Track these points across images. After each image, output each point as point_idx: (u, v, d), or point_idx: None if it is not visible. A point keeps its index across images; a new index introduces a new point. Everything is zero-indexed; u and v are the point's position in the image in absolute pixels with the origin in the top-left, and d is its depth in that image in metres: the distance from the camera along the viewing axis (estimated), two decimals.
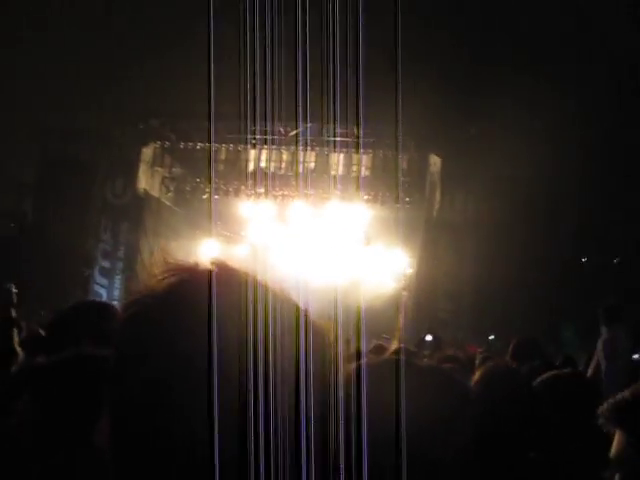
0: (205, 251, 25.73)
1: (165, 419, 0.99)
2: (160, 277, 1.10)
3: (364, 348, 1.12)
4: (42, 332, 5.70)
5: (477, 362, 8.41)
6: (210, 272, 1.09)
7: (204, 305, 1.02)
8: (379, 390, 1.18)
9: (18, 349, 5.52)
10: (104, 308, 3.34)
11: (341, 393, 1.03)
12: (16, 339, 5.87)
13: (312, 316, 1.09)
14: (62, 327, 3.15)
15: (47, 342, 3.23)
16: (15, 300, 8.66)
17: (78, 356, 2.36)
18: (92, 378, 2.02)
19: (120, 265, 25.93)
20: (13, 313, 7.01)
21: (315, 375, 1.02)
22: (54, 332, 3.18)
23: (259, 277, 1.10)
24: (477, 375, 3.47)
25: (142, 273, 26.31)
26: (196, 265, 1.14)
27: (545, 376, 3.84)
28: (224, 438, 0.96)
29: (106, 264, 25.85)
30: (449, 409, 2.30)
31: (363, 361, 1.08)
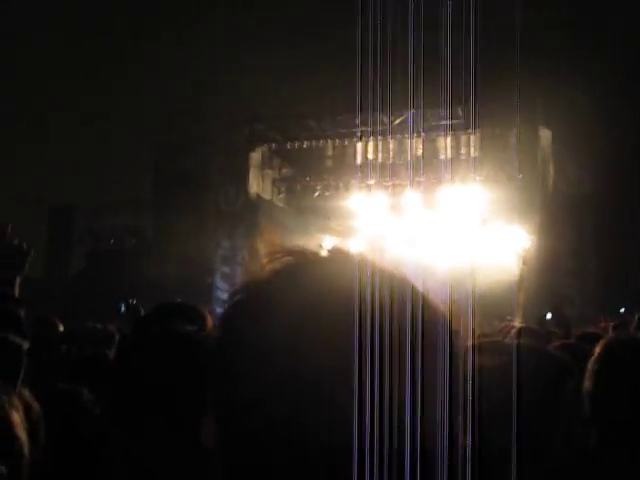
0: (321, 247, 25.89)
1: (274, 413, 0.95)
2: (265, 263, 1.07)
3: (471, 332, 1.08)
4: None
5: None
6: (319, 255, 1.06)
7: (312, 289, 0.99)
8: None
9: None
10: (189, 309, 3.35)
11: (468, 386, 0.98)
12: None
13: (431, 298, 1.05)
14: (145, 325, 3.17)
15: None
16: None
17: (171, 332, 2.22)
18: (191, 361, 1.88)
19: (240, 270, 26.35)
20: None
21: (429, 359, 0.98)
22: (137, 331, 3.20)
23: (373, 260, 1.05)
24: (597, 349, 3.22)
25: (248, 263, 26.67)
26: (302, 249, 1.10)
27: None
28: (336, 429, 0.93)
29: (226, 270, 26.33)
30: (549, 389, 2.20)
31: (470, 345, 1.02)
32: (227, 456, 1.01)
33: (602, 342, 2.99)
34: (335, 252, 1.07)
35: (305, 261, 1.06)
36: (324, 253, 1.07)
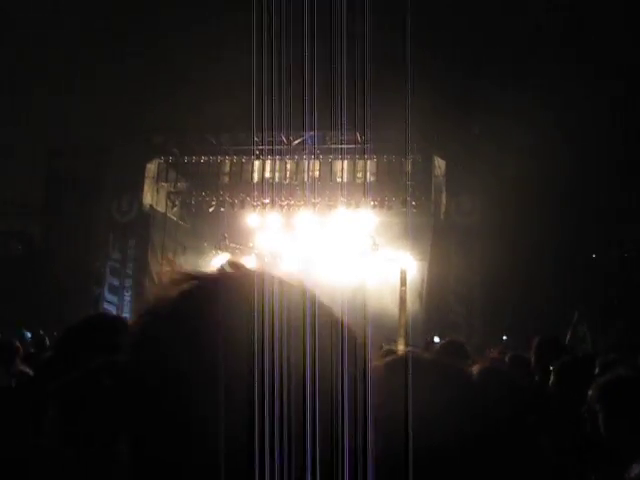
0: (213, 263, 25.78)
1: (184, 421, 0.97)
2: (170, 286, 1.08)
3: (370, 352, 1.11)
4: (50, 351, 5.70)
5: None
6: (220, 277, 1.08)
7: (219, 309, 1.00)
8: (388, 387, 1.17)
9: (27, 369, 5.49)
10: (114, 321, 3.32)
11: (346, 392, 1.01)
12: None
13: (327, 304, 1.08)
14: (73, 341, 3.13)
15: (58, 358, 3.20)
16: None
17: (105, 364, 2.30)
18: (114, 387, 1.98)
19: (129, 282, 25.96)
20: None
21: (323, 368, 1.00)
22: (66, 346, 3.16)
23: (271, 274, 1.07)
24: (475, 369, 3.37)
25: (151, 288, 26.38)
26: (205, 273, 1.12)
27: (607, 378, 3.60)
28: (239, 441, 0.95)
29: (115, 282, 25.88)
30: (451, 400, 2.30)
31: (369, 364, 1.05)
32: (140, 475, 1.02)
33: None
34: (235, 269, 1.09)
35: (209, 282, 1.07)
36: (224, 272, 1.09)
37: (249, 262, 25.13)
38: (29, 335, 12.03)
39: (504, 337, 20.28)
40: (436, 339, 15.99)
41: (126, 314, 25.27)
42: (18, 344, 5.85)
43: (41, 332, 9.12)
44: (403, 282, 23.29)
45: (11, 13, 21.79)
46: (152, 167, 26.34)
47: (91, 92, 22.81)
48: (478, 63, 21.68)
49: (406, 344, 20.70)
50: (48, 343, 8.95)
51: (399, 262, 24.31)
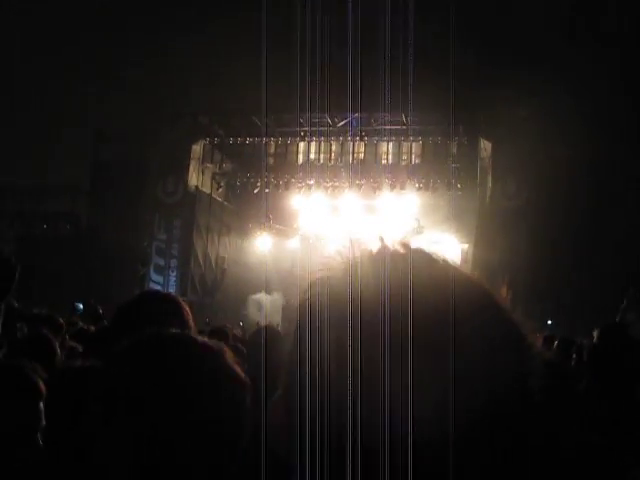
0: (258, 245, 25.90)
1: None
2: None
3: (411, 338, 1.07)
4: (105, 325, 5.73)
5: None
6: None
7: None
8: None
9: (76, 345, 5.51)
10: (168, 299, 3.29)
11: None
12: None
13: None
14: (127, 317, 3.10)
15: (113, 334, 3.18)
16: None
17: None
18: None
19: (174, 262, 26.17)
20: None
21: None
22: (119, 322, 3.14)
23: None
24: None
25: (196, 271, 26.59)
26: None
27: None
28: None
29: (160, 262, 26.11)
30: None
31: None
32: None
33: None
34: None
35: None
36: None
37: (292, 245, 25.24)
38: (81, 307, 12.18)
39: (549, 321, 20.09)
40: None
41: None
42: (61, 320, 5.87)
43: (92, 301, 9.24)
44: (463, 262, 23.21)
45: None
46: (197, 148, 26.46)
47: (138, 75, 22.98)
48: (524, 48, 21.38)
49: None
50: (101, 312, 9.06)
51: (444, 244, 24.20)
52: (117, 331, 3.03)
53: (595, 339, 6.37)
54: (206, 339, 1.76)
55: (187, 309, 3.07)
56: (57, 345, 4.47)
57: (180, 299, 3.36)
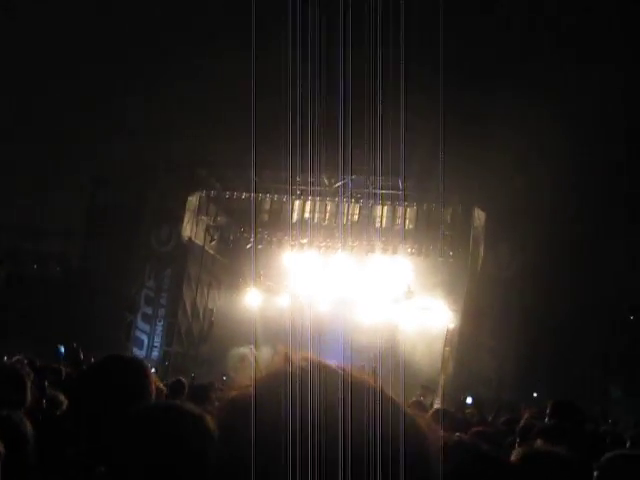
0: (247, 300, 25.84)
1: None
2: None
3: (402, 399, 1.13)
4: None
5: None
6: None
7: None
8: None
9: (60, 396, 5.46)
10: (131, 363, 3.30)
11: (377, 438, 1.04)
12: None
13: (353, 371, 1.11)
14: (91, 382, 3.12)
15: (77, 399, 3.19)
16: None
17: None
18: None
19: (162, 311, 26.07)
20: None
21: (355, 426, 1.04)
22: (84, 386, 3.15)
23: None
24: (517, 454, 3.29)
25: (183, 321, 26.49)
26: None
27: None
28: None
29: (148, 310, 26.00)
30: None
31: (401, 414, 1.08)
32: None
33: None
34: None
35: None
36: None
37: (282, 303, 25.22)
38: (62, 350, 12.09)
39: (534, 394, 19.99)
40: (469, 400, 15.78)
41: (157, 343, 25.38)
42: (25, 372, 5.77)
43: (74, 345, 9.17)
44: (447, 342, 23.21)
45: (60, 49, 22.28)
46: (193, 200, 26.55)
47: (138, 124, 23.16)
48: (524, 117, 21.64)
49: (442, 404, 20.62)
50: (82, 357, 8.98)
51: (433, 311, 24.21)
52: (82, 394, 3.06)
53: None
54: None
55: (149, 374, 3.12)
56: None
57: (143, 363, 3.38)
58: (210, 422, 2.03)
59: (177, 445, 1.96)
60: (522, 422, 7.54)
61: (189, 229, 26.51)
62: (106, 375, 2.95)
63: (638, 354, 20.80)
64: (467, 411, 11.67)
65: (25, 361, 6.71)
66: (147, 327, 25.73)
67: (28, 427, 2.92)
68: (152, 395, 3.07)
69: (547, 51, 22.04)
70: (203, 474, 1.84)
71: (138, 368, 3.18)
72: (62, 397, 5.18)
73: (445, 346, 23.31)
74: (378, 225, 24.80)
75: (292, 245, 25.60)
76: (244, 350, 22.58)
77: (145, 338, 25.18)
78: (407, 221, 24.85)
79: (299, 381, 1.07)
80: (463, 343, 23.35)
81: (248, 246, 26.29)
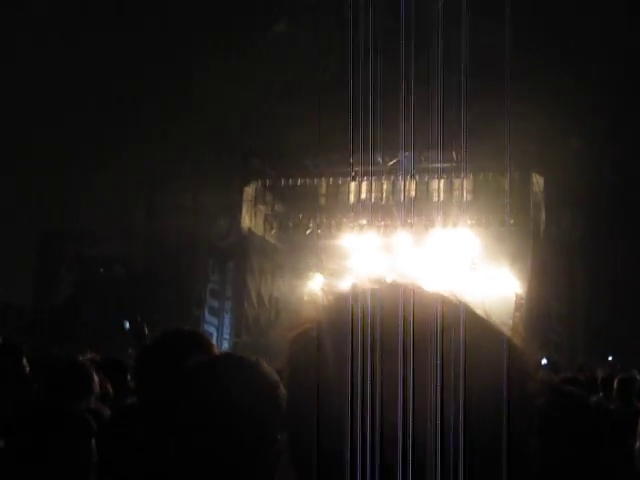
0: (311, 285, 25.93)
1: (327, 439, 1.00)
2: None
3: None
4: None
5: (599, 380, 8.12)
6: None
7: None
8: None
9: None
10: (192, 336, 3.30)
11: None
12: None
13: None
14: (152, 353, 3.11)
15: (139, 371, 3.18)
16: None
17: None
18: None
19: (229, 304, 26.33)
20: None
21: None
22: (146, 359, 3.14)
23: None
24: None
25: (250, 312, 26.71)
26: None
27: None
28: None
29: (215, 303, 26.29)
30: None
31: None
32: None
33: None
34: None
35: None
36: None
37: (345, 286, 25.05)
38: (127, 325, 12.28)
39: (609, 357, 19.69)
40: (543, 361, 15.62)
41: (226, 335, 25.65)
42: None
43: (138, 319, 9.30)
44: (517, 307, 22.99)
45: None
46: (249, 190, 26.71)
47: (190, 115, 23.32)
48: (579, 82, 21.23)
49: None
50: (146, 331, 9.09)
51: (499, 282, 23.98)
52: (144, 367, 3.06)
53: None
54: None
55: (213, 346, 3.12)
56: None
57: (206, 336, 3.38)
58: (267, 367, 2.09)
59: (240, 391, 2.00)
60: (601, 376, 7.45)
61: (248, 220, 26.69)
62: (167, 346, 2.96)
63: None
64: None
65: (95, 358, 6.82)
66: (215, 320, 26.03)
67: (91, 420, 2.94)
68: None
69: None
70: (263, 421, 1.91)
71: (200, 340, 3.19)
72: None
73: (515, 311, 23.07)
74: (436, 199, 24.63)
75: (351, 227, 25.60)
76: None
77: (214, 331, 25.46)
78: (465, 192, 24.63)
79: (368, 304, 1.05)
80: (531, 309, 23.13)
81: (308, 232, 26.37)
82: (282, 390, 1.98)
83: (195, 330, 3.55)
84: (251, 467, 1.96)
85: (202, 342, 3.20)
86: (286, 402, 1.14)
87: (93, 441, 2.84)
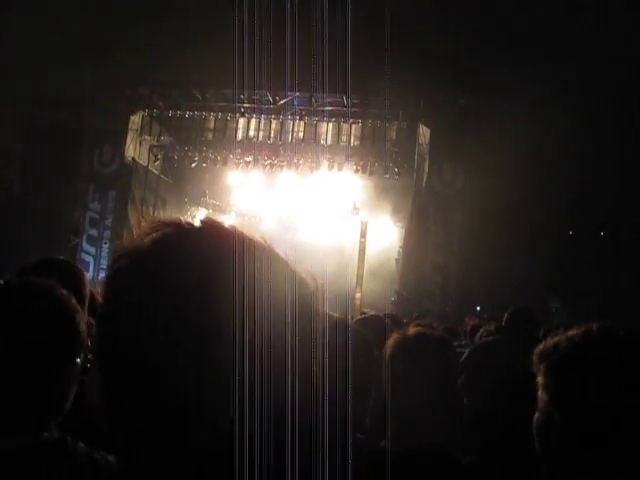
0: (193, 219, 25.72)
1: (161, 376, 1.00)
2: (145, 234, 1.10)
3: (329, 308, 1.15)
4: None
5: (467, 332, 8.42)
6: (194, 226, 1.09)
7: (191, 258, 1.04)
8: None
9: None
10: (65, 265, 3.27)
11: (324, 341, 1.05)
12: None
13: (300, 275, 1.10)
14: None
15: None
16: None
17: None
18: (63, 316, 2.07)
19: (108, 233, 25.84)
20: None
21: (300, 326, 1.04)
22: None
23: (245, 233, 1.09)
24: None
25: (127, 238, 26.29)
26: (180, 221, 1.13)
27: None
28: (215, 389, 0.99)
29: (94, 232, 25.77)
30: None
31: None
32: (111, 415, 1.05)
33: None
34: (209, 223, 1.11)
35: (182, 232, 1.08)
36: (199, 224, 1.10)
37: (228, 220, 25.03)
38: None
39: (477, 307, 20.45)
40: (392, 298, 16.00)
41: (103, 265, 25.24)
42: None
43: None
44: (363, 234, 23.42)
45: None
46: (136, 119, 26.11)
47: (78, 42, 22.53)
48: (476, 42, 21.54)
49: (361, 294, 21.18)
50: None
51: (379, 226, 24.42)
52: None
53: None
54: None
55: (84, 275, 3.10)
56: None
57: (77, 266, 3.35)
58: (61, 294, 2.08)
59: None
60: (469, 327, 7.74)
61: (132, 149, 26.13)
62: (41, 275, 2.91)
63: (575, 269, 21.31)
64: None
65: None
66: (93, 249, 25.53)
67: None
68: (86, 299, 3.06)
69: None
70: None
71: (74, 271, 3.17)
72: None
73: (361, 237, 23.47)
74: (323, 142, 24.71)
75: (237, 163, 25.45)
76: None
77: (91, 260, 25.01)
78: (352, 138, 24.79)
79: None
80: (407, 258, 23.65)
81: (193, 165, 26.06)
82: (78, 317, 2.07)
83: (67, 260, 3.52)
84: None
85: (73, 272, 3.18)
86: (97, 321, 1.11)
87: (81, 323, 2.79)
